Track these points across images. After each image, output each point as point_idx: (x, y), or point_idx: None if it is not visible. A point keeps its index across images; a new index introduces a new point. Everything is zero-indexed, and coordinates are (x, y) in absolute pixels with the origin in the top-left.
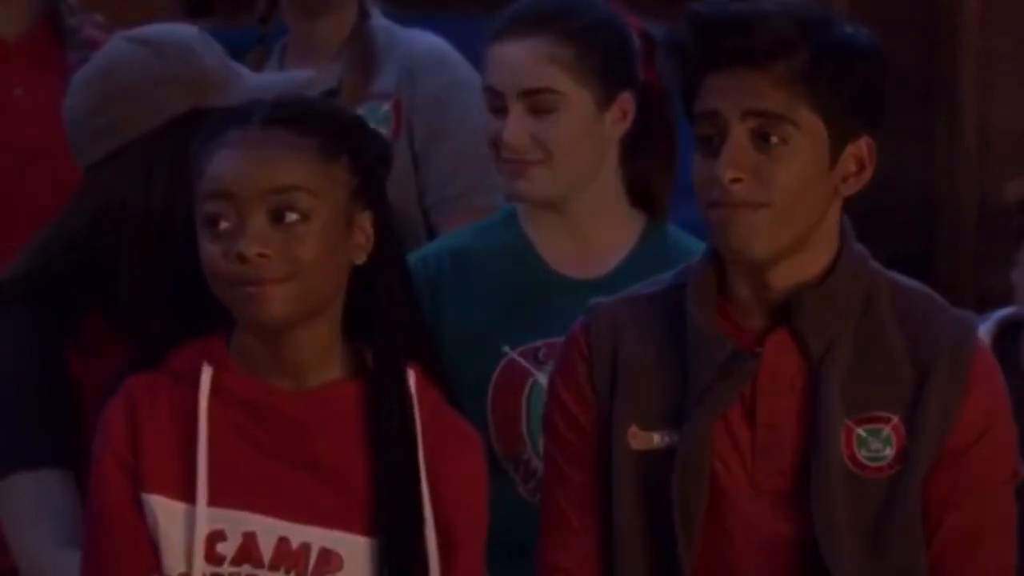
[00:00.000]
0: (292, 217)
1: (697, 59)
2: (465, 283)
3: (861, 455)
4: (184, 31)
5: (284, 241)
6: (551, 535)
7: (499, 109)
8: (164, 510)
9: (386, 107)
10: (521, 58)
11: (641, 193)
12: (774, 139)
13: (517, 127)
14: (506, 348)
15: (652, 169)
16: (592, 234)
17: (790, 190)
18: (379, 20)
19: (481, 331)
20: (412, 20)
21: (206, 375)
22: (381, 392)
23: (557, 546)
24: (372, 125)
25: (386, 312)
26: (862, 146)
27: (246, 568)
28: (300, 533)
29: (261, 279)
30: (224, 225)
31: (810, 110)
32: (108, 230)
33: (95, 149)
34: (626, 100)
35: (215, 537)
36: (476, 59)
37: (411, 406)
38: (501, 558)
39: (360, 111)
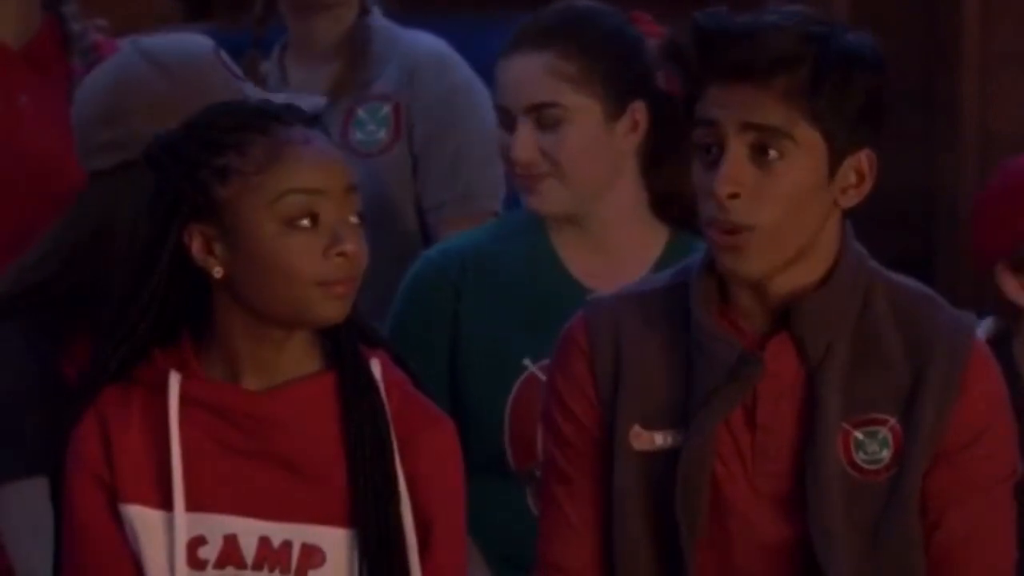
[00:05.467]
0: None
1: (699, 70)
2: (487, 289)
3: (858, 458)
4: (197, 49)
5: (362, 241)
6: (552, 534)
7: (509, 126)
8: (143, 520)
9: (386, 109)
10: (524, 74)
11: (665, 204)
12: (772, 153)
13: (524, 142)
14: (527, 361)
15: (675, 180)
16: (615, 246)
17: (785, 206)
18: (379, 20)
19: (502, 342)
20: (426, 21)
21: (174, 382)
22: (347, 380)
23: (558, 545)
24: (372, 127)
25: None
26: (862, 158)
27: (230, 571)
28: (281, 531)
29: (354, 276)
30: (307, 223)
31: (809, 125)
32: (103, 247)
33: (96, 160)
34: (638, 110)
35: (196, 543)
36: (490, 61)
37: (378, 392)
38: (510, 571)
39: (360, 112)
